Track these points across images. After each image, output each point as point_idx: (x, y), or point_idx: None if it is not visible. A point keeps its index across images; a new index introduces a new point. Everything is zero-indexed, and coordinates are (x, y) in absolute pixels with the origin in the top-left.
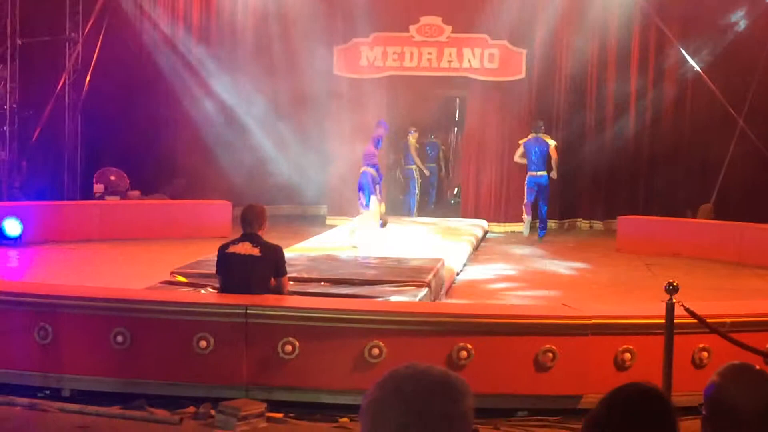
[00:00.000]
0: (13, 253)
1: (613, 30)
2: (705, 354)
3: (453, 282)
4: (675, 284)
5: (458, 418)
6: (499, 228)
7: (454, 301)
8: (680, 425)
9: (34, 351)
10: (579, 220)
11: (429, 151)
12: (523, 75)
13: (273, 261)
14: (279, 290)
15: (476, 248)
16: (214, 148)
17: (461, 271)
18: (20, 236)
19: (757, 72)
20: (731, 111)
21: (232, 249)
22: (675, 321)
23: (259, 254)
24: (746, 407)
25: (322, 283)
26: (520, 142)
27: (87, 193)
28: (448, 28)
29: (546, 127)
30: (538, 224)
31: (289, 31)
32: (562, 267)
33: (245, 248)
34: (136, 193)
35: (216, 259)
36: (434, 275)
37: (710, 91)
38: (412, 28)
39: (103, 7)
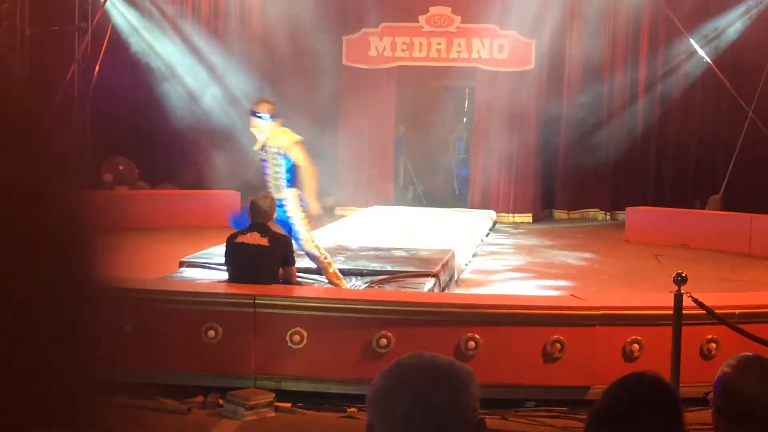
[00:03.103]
0: None
1: (623, 20)
2: (713, 345)
3: (461, 272)
4: (683, 275)
5: (463, 407)
6: (507, 218)
7: (462, 291)
8: (685, 414)
9: None
10: (588, 210)
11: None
12: (532, 65)
13: (281, 251)
14: (287, 280)
15: (485, 238)
16: (223, 138)
17: (470, 261)
18: None
19: (767, 63)
20: (741, 102)
21: (240, 239)
22: (683, 312)
23: (267, 244)
24: (759, 398)
25: None
26: None
27: (96, 183)
28: (458, 18)
29: (555, 117)
30: None
31: (298, 20)
32: (571, 257)
33: (254, 238)
34: (143, 183)
35: (225, 249)
36: (443, 266)
37: (720, 82)
38: (422, 18)
39: None
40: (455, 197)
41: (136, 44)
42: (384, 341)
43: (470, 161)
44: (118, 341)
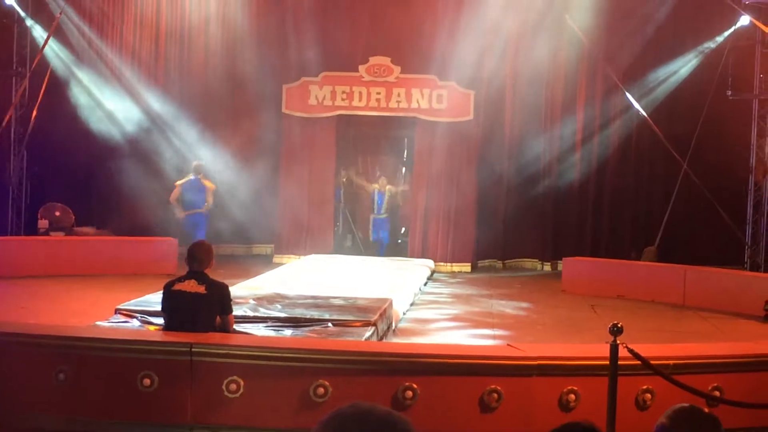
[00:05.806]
0: None
1: (561, 73)
2: (648, 396)
3: (399, 321)
4: (619, 326)
5: None
6: (445, 268)
7: (400, 340)
8: None
9: None
10: (526, 260)
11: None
12: (471, 116)
13: (219, 299)
14: (224, 328)
15: (423, 287)
16: (160, 186)
17: (408, 310)
18: None
19: (700, 117)
20: (675, 155)
21: (177, 286)
22: (619, 362)
23: (204, 292)
24: None
25: (269, 322)
26: None
27: (32, 229)
28: (397, 69)
29: (493, 168)
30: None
31: (239, 69)
32: (508, 307)
33: (191, 286)
34: (89, 229)
35: (162, 296)
36: (381, 315)
37: (655, 136)
38: (362, 67)
39: (51, 42)
40: (396, 245)
41: (74, 89)
42: (321, 390)
43: (409, 210)
44: (47, 389)
